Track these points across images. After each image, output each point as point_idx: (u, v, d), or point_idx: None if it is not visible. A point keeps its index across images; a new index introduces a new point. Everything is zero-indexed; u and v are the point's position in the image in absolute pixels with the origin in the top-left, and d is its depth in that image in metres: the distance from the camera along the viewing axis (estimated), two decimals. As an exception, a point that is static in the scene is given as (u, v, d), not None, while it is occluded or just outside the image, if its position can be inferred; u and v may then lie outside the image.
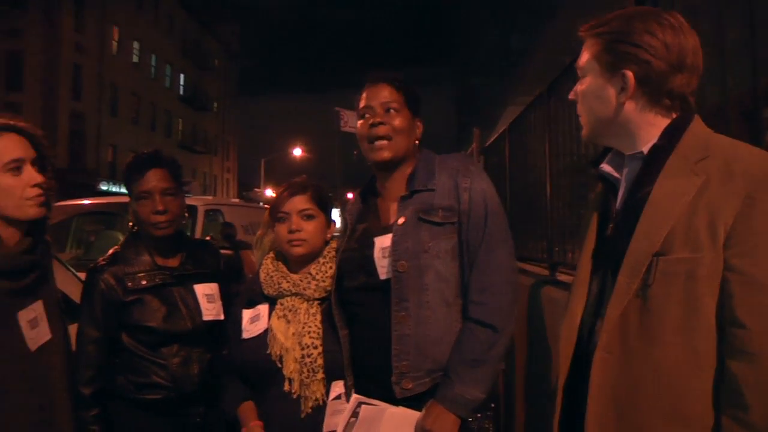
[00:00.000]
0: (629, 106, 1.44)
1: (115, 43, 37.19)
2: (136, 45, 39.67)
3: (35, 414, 1.91)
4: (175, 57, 45.50)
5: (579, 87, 1.54)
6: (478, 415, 1.99)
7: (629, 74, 1.41)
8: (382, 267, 2.03)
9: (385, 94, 2.11)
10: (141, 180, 2.28)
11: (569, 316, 1.53)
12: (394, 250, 2.00)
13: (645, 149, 1.44)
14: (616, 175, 1.52)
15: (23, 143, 1.95)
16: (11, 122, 1.97)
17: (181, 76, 47.02)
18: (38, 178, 1.93)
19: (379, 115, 2.08)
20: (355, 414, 1.99)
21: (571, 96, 1.59)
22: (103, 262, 2.32)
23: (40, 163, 1.98)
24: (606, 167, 1.54)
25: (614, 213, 1.49)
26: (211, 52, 51.58)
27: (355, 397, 2.02)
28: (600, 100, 1.48)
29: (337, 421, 2.04)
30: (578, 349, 1.49)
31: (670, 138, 1.41)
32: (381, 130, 2.07)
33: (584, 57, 1.51)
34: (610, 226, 1.49)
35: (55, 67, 31.42)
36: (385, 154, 2.08)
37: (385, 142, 2.07)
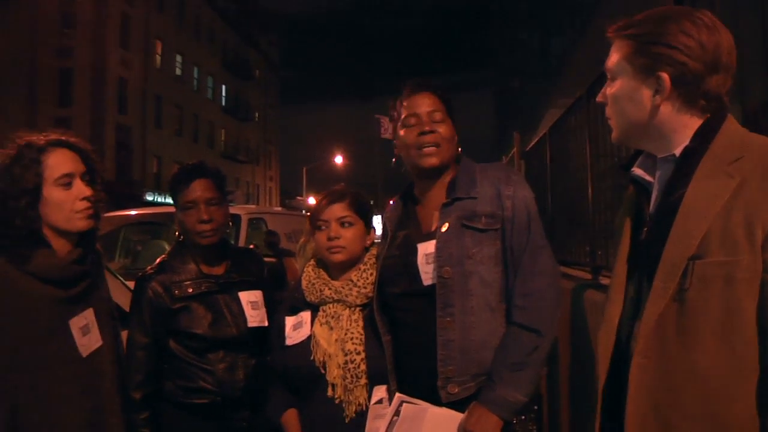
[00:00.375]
0: (664, 109, 1.41)
1: (158, 57, 38.02)
2: (178, 58, 40.47)
3: (88, 415, 1.97)
4: (217, 69, 46.27)
5: (609, 90, 1.51)
6: (522, 417, 2.00)
7: (665, 76, 1.38)
8: (426, 273, 2.05)
9: (429, 102, 2.12)
10: (186, 190, 2.33)
11: (606, 320, 1.52)
12: (439, 257, 2.02)
13: (677, 151, 1.40)
14: (648, 178, 1.49)
15: (74, 158, 2.03)
16: (63, 138, 2.06)
17: (223, 87, 47.76)
18: (87, 191, 2.01)
19: (426, 123, 2.09)
20: (397, 413, 2.01)
21: (599, 99, 1.56)
22: (151, 271, 2.38)
23: (89, 177, 2.06)
24: (638, 171, 1.51)
25: (648, 217, 1.46)
26: (251, 63, 52.30)
27: (398, 396, 2.04)
28: (633, 102, 1.44)
29: (378, 425, 2.07)
30: (617, 353, 1.47)
31: (702, 139, 1.37)
32: (431, 138, 2.08)
33: (614, 58, 1.48)
34: (644, 230, 1.46)
35: (102, 82, 32.31)
36: (434, 161, 2.09)
37: (434, 148, 2.08)
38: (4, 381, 1.82)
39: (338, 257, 2.21)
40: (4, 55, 24.02)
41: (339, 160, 43.82)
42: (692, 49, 1.36)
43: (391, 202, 2.39)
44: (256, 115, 54.56)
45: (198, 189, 2.33)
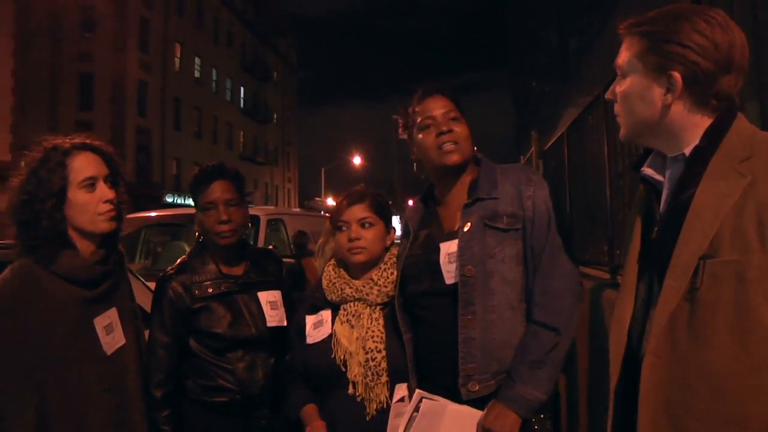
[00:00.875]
0: (675, 108, 1.39)
1: (177, 60, 38.32)
2: (197, 61, 40.76)
3: (112, 412, 2.01)
4: (235, 71, 46.53)
5: (619, 87, 1.50)
6: (541, 415, 2.01)
7: (677, 75, 1.36)
8: (449, 272, 2.08)
9: (442, 103, 2.15)
10: (206, 191, 2.37)
11: (617, 320, 1.51)
12: (461, 256, 2.04)
13: (687, 151, 1.39)
14: (658, 177, 1.48)
15: (97, 161, 2.07)
16: (87, 141, 2.10)
17: (242, 89, 48.04)
18: (109, 194, 2.05)
19: (443, 123, 2.12)
20: (417, 408, 2.02)
21: (608, 96, 1.56)
22: (172, 271, 2.41)
23: (112, 180, 2.10)
24: (648, 170, 1.50)
25: (658, 216, 1.45)
26: (269, 65, 52.54)
27: (418, 392, 2.06)
28: (643, 101, 1.43)
29: (399, 423, 2.08)
30: (628, 352, 1.47)
31: (712, 138, 1.36)
32: (449, 137, 2.11)
33: (625, 56, 1.47)
34: (655, 229, 1.45)
35: (122, 86, 32.63)
36: (456, 158, 2.12)
37: (454, 146, 2.11)
38: (32, 378, 1.86)
39: (359, 258, 2.23)
40: (26, 60, 24.35)
41: (357, 160, 43.90)
42: (705, 48, 1.34)
43: (411, 202, 2.41)
44: (275, 116, 54.80)
45: (217, 190, 2.36)
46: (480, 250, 2.03)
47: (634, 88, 1.45)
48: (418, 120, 2.17)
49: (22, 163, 2.08)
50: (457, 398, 2.02)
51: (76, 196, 2.02)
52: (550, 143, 6.36)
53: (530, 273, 2.05)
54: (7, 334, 1.86)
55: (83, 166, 2.04)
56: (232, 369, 2.32)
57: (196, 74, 40.83)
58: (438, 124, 2.12)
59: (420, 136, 2.17)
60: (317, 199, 45.86)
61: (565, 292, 2.00)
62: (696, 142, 1.38)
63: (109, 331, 2.07)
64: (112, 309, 2.11)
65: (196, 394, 2.34)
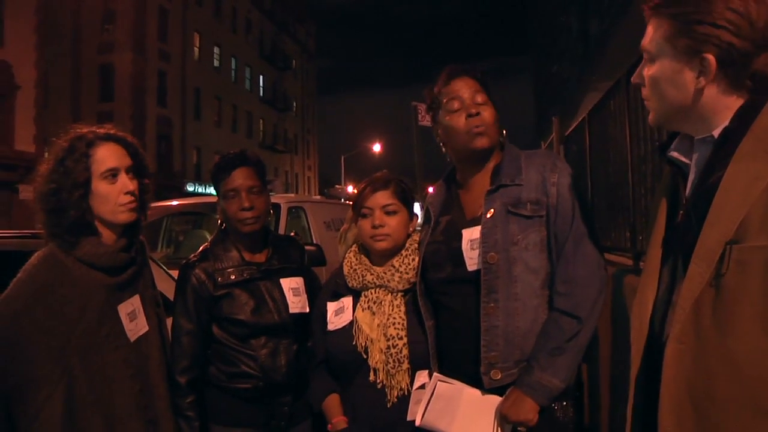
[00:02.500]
0: (708, 91, 1.33)
1: (196, 50, 38.48)
2: (216, 50, 40.91)
3: (137, 398, 2.04)
4: (255, 59, 46.63)
5: (647, 71, 1.43)
6: (563, 403, 2.00)
7: (710, 58, 1.29)
8: (471, 259, 2.06)
9: (470, 85, 2.12)
10: (228, 179, 2.37)
11: (639, 305, 1.48)
12: (484, 242, 2.02)
13: (716, 132, 1.34)
14: (685, 160, 1.43)
15: (120, 152, 2.09)
16: (111, 132, 2.12)
17: (261, 77, 48.14)
18: (130, 186, 2.07)
19: (471, 106, 2.09)
20: (434, 391, 2.02)
21: (634, 79, 1.50)
22: (195, 259, 2.43)
23: (135, 171, 2.12)
24: (674, 153, 1.45)
25: (684, 200, 1.40)
26: (288, 53, 52.57)
27: (435, 375, 2.06)
28: (674, 85, 1.37)
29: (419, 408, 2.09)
30: (651, 338, 1.44)
31: (742, 119, 1.30)
32: (478, 120, 2.07)
33: (653, 38, 1.40)
34: (681, 213, 1.41)
35: (142, 76, 32.87)
36: (485, 141, 2.08)
37: (483, 128, 2.08)
38: (60, 363, 1.89)
39: (382, 245, 2.23)
40: (48, 53, 24.62)
41: (377, 148, 43.83)
42: (740, 27, 1.27)
43: (431, 189, 2.39)
44: (294, 104, 54.90)
45: (239, 177, 2.36)
46: (503, 237, 2.01)
47: (663, 73, 1.39)
48: (444, 101, 2.13)
49: (48, 152, 2.10)
50: (478, 386, 2.01)
51: (98, 186, 2.04)
52: (571, 128, 6.31)
53: (554, 261, 2.02)
54: (37, 320, 1.89)
55: (106, 157, 2.05)
56: (255, 355, 2.33)
57: (216, 63, 41.00)
58: (466, 107, 2.09)
59: (447, 118, 2.13)
60: (338, 186, 45.89)
61: (589, 281, 1.96)
62: (725, 123, 1.33)
63: (133, 317, 2.10)
64: (135, 296, 2.13)
65: (220, 381, 2.36)
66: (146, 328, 2.15)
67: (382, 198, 2.24)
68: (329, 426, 2.21)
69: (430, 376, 2.13)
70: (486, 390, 2.00)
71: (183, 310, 2.36)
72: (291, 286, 2.45)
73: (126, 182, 2.07)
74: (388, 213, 2.24)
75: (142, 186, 2.15)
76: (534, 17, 37.17)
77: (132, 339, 2.08)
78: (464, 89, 2.11)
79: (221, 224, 2.49)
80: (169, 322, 2.37)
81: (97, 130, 2.11)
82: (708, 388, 1.26)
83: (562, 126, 7.15)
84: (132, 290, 2.13)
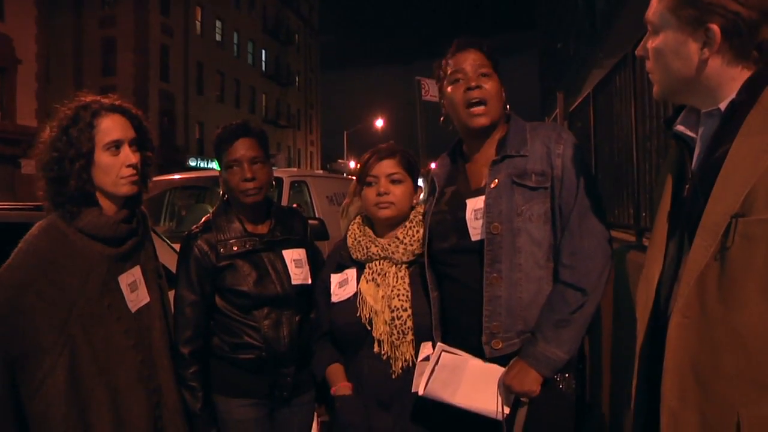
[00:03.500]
0: (713, 63, 1.31)
1: (198, 24, 38.22)
2: (218, 24, 40.61)
3: (139, 368, 2.05)
4: (257, 34, 46.30)
5: (651, 43, 1.41)
6: (566, 375, 2.00)
7: (715, 28, 1.28)
8: (474, 228, 2.06)
9: (475, 57, 2.10)
10: (230, 149, 2.36)
11: (645, 280, 1.48)
12: (488, 213, 2.02)
13: (723, 105, 1.32)
14: (690, 134, 1.41)
15: (125, 124, 2.08)
16: (117, 103, 2.11)
17: (263, 52, 47.83)
18: (132, 158, 2.06)
19: (473, 79, 2.07)
20: (438, 361, 2.03)
21: (638, 52, 1.48)
22: (197, 230, 2.42)
23: (138, 143, 2.10)
24: (680, 127, 1.43)
25: (690, 173, 1.39)
26: (291, 28, 52.18)
27: (439, 345, 2.06)
28: (679, 57, 1.35)
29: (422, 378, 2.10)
30: (656, 312, 1.43)
31: (750, 92, 1.28)
32: (478, 93, 2.06)
33: (656, 9, 1.38)
34: (687, 187, 1.40)
35: (145, 50, 32.71)
36: (484, 120, 2.08)
37: (482, 107, 2.07)
38: (63, 333, 1.89)
39: (386, 213, 2.22)
40: (49, 27, 24.46)
41: (380, 123, 43.67)
42: None
43: (433, 165, 2.38)
44: (297, 79, 54.61)
45: (242, 148, 2.35)
46: (507, 208, 2.01)
47: (667, 44, 1.37)
48: (449, 72, 2.13)
49: (52, 119, 2.08)
50: (481, 356, 2.02)
51: (101, 158, 2.02)
52: (576, 104, 6.27)
53: (558, 233, 2.01)
54: (40, 290, 1.89)
55: (110, 128, 2.04)
56: (258, 326, 2.34)
57: (218, 38, 40.72)
58: (467, 79, 2.08)
59: (449, 89, 2.13)
60: (340, 161, 45.86)
61: (594, 253, 1.96)
62: (732, 96, 1.32)
63: (134, 288, 2.10)
64: (136, 267, 2.13)
65: (223, 352, 2.37)
66: (147, 299, 2.15)
67: (388, 166, 2.24)
68: (332, 389, 2.22)
69: (434, 347, 2.14)
70: (488, 359, 2.00)
71: (186, 281, 2.36)
72: (293, 257, 2.45)
73: (129, 155, 2.05)
74: (393, 182, 2.23)
75: (144, 159, 2.14)
76: (539, -8, 36.79)
77: (133, 310, 2.09)
78: (468, 61, 2.10)
79: (223, 195, 2.48)
80: (171, 294, 2.38)
81: (103, 101, 2.09)
82: (712, 362, 1.26)
83: (567, 102, 7.10)
84: (133, 261, 2.13)
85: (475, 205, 2.07)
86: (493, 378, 1.98)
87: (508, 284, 1.99)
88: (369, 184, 2.24)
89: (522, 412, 1.95)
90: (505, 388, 1.96)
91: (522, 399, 1.95)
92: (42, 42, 23.58)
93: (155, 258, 2.31)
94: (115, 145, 2.04)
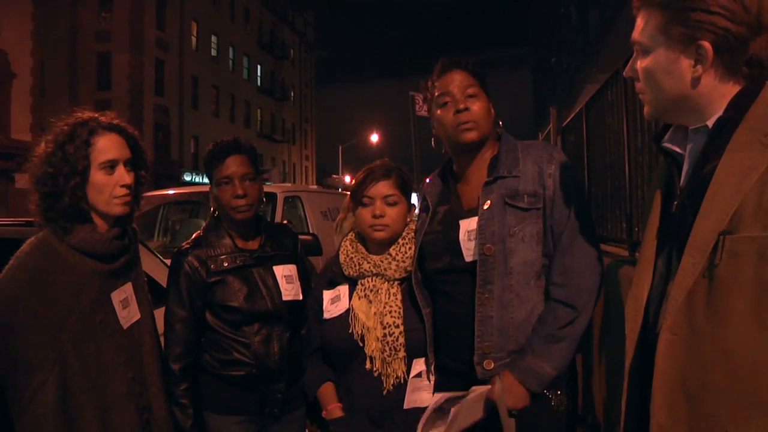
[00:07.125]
0: (705, 80, 1.31)
1: (194, 38, 38.35)
2: (214, 39, 40.77)
3: (130, 385, 2.04)
4: (252, 49, 46.49)
5: (640, 64, 1.41)
6: (558, 392, 2.00)
7: (706, 45, 1.28)
8: (468, 249, 2.06)
9: (461, 78, 2.11)
10: (221, 166, 2.36)
11: (634, 297, 1.47)
12: (481, 234, 2.02)
13: (710, 122, 1.32)
14: (679, 150, 1.41)
15: (121, 144, 2.07)
16: (114, 122, 2.10)
17: (259, 67, 48.00)
18: (127, 179, 2.05)
19: (460, 100, 2.08)
20: (441, 408, 1.95)
21: (627, 73, 1.48)
22: (187, 246, 2.42)
23: (133, 163, 2.10)
24: (668, 144, 1.44)
25: (679, 190, 1.39)
26: (286, 43, 52.43)
27: (440, 395, 1.99)
28: (670, 75, 1.35)
29: (417, 398, 2.10)
30: (645, 329, 1.43)
31: (737, 109, 1.29)
32: (466, 116, 2.07)
33: (644, 30, 1.38)
34: (675, 203, 1.39)
35: (140, 65, 32.76)
36: (474, 135, 2.08)
37: (471, 124, 2.07)
38: (54, 350, 1.88)
39: (381, 235, 2.22)
40: (45, 41, 24.51)
41: (375, 138, 43.77)
42: (734, 11, 1.26)
43: (428, 180, 2.39)
44: (292, 94, 54.79)
45: (233, 165, 2.35)
46: (500, 229, 2.01)
47: (659, 63, 1.37)
48: (436, 94, 2.14)
49: (47, 133, 2.06)
50: (473, 374, 2.01)
51: (96, 176, 2.02)
52: (569, 119, 6.30)
53: (550, 253, 2.02)
54: (31, 307, 1.88)
55: (106, 147, 2.03)
56: (248, 343, 2.33)
57: (213, 52, 40.86)
58: (455, 101, 2.09)
59: (438, 112, 2.13)
60: (335, 176, 45.90)
61: (586, 272, 1.97)
62: (720, 113, 1.32)
63: (125, 305, 2.09)
64: (128, 284, 2.12)
65: (213, 368, 2.35)
66: (138, 316, 2.14)
67: (384, 188, 2.23)
68: (324, 413, 2.21)
69: (427, 364, 2.14)
70: (480, 380, 2.00)
71: (176, 297, 2.36)
72: (284, 273, 2.45)
73: (123, 175, 2.05)
74: (389, 204, 2.23)
75: (138, 178, 2.13)
76: (534, 8, 37.06)
77: (125, 326, 2.08)
78: (454, 83, 2.10)
79: (214, 211, 2.48)
80: (159, 312, 2.36)
81: (100, 119, 2.08)
82: (701, 379, 1.25)
83: (560, 117, 7.14)
84: (125, 278, 2.13)
85: (468, 226, 2.07)
86: (482, 396, 1.97)
87: (500, 305, 1.99)
88: (364, 205, 2.24)
89: (511, 424, 1.94)
90: (495, 404, 1.95)
91: (512, 412, 1.94)
92: (37, 56, 23.63)
93: (143, 275, 2.30)
94: (111, 165, 2.03)
